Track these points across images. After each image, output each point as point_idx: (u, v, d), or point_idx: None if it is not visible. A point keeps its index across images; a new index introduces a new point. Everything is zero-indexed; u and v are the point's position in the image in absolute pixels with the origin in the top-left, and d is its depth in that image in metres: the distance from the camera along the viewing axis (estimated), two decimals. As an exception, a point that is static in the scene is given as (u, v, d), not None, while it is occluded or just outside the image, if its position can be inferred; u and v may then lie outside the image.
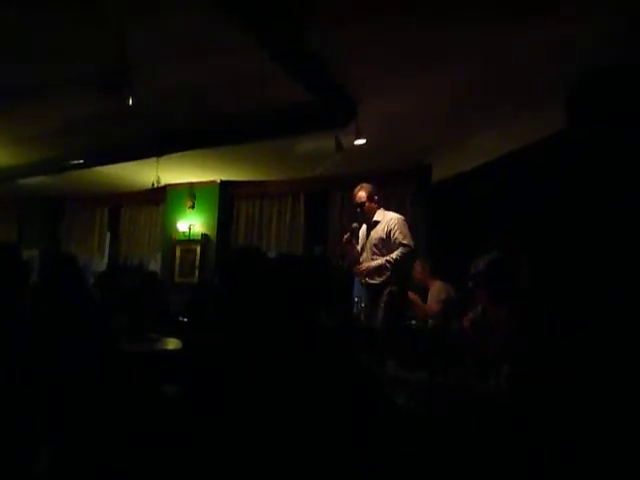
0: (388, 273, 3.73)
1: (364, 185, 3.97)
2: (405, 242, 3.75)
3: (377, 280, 3.77)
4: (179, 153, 5.32)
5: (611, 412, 1.80)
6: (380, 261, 3.76)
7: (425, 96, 3.92)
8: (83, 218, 7.96)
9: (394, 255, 3.72)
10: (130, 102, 3.73)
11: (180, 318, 4.56)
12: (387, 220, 3.86)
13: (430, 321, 4.20)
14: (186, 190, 6.88)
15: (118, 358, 2.42)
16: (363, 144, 4.43)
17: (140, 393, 2.18)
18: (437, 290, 4.33)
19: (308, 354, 1.29)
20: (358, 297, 4.17)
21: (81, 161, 5.72)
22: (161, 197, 7.03)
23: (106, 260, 7.77)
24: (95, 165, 5.84)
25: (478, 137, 4.56)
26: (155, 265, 7.27)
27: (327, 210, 6.20)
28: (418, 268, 4.43)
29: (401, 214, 3.99)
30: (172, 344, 3.34)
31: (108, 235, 7.83)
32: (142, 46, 3.31)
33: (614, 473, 1.56)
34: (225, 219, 6.80)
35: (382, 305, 3.67)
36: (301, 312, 1.41)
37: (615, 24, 2.85)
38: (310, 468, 1.19)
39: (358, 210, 3.97)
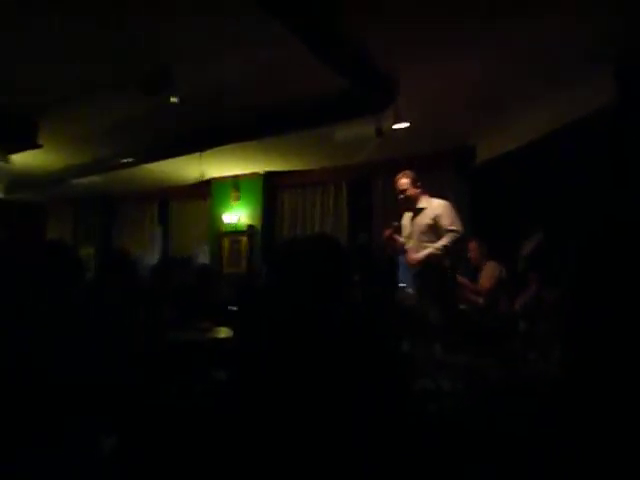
0: (437, 260, 3.68)
1: (406, 172, 3.92)
2: (453, 228, 3.69)
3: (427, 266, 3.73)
4: (222, 147, 5.42)
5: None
6: (429, 250, 3.71)
7: (465, 76, 3.82)
8: (134, 214, 8.27)
9: (443, 242, 3.67)
10: (174, 100, 3.84)
11: (230, 307, 4.69)
12: (433, 206, 3.80)
13: (481, 300, 4.16)
14: (231, 183, 7.02)
15: (170, 347, 2.52)
16: (403, 128, 4.37)
17: (190, 379, 2.28)
18: (490, 268, 4.29)
19: (341, 338, 1.31)
20: (404, 282, 4.16)
21: (130, 159, 5.95)
22: (207, 191, 7.21)
23: (157, 254, 8.05)
24: (143, 162, 6.05)
25: (523, 115, 4.40)
26: (204, 257, 7.48)
27: (370, 196, 6.16)
28: (473, 249, 4.38)
29: (444, 198, 3.93)
30: (223, 333, 3.44)
31: (158, 229, 8.10)
32: (183, 44, 3.40)
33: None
34: (269, 209, 6.90)
35: (429, 289, 3.63)
36: (338, 296, 1.43)
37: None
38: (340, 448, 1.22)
39: (401, 197, 3.93)
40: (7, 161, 5.20)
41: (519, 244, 3.28)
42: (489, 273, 4.27)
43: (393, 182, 4.02)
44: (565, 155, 3.79)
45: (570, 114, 3.80)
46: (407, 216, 3.97)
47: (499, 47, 3.38)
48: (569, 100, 3.83)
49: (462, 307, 3.93)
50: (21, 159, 5.58)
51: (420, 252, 3.75)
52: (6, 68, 3.83)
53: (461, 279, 4.15)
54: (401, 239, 3.95)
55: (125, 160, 5.97)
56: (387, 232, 3.97)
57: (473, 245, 4.42)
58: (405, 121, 4.27)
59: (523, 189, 4.30)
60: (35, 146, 5.14)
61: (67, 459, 1.51)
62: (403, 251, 3.96)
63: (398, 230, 3.96)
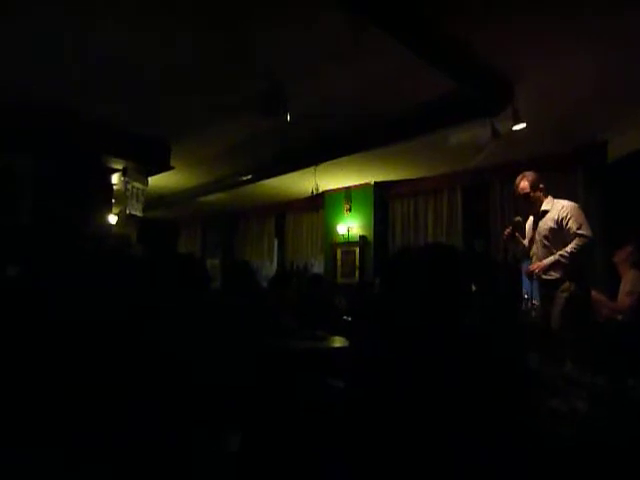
0: (563, 268, 3.35)
1: (526, 174, 3.64)
2: (581, 232, 3.31)
3: (552, 276, 3.40)
4: (335, 160, 5.55)
5: None
6: (554, 257, 3.38)
7: (586, 71, 3.52)
8: (253, 227, 8.77)
9: (569, 248, 3.32)
10: (287, 118, 4.02)
11: (345, 317, 4.75)
12: (558, 208, 3.46)
13: (619, 317, 3.73)
14: (342, 194, 7.15)
15: (288, 354, 2.61)
16: (522, 128, 4.12)
17: (308, 386, 2.33)
18: (629, 281, 3.82)
19: (461, 352, 1.25)
20: (528, 292, 3.87)
21: (250, 176, 6.34)
22: (320, 203, 7.41)
23: (275, 264, 8.44)
24: (262, 179, 6.41)
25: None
26: (318, 267, 7.68)
27: (487, 202, 5.87)
28: (625, 254, 3.94)
29: (573, 201, 3.59)
30: (338, 342, 3.49)
31: (275, 241, 8.50)
32: (294, 62, 3.56)
33: None
34: (381, 219, 6.89)
35: (559, 305, 3.32)
36: (455, 308, 1.38)
37: None
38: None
39: (523, 201, 3.66)
40: (146, 184, 5.81)
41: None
42: (628, 287, 3.80)
43: (513, 185, 3.77)
44: None
45: None
46: (530, 220, 3.69)
47: (617, 38, 3.07)
48: None
49: (600, 321, 3.57)
50: (156, 181, 6.21)
51: (544, 260, 3.45)
52: (146, 99, 4.31)
53: (596, 294, 3.73)
54: (524, 241, 3.66)
55: (245, 177, 6.38)
56: (507, 231, 3.70)
57: (625, 250, 3.93)
58: (523, 122, 4.02)
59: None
60: (168, 168, 5.70)
61: (199, 454, 1.63)
62: (525, 253, 3.66)
63: (519, 227, 3.67)
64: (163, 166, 5.66)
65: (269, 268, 8.45)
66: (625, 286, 3.84)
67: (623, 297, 3.81)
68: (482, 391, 1.24)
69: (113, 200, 5.43)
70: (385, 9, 2.84)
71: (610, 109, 4.23)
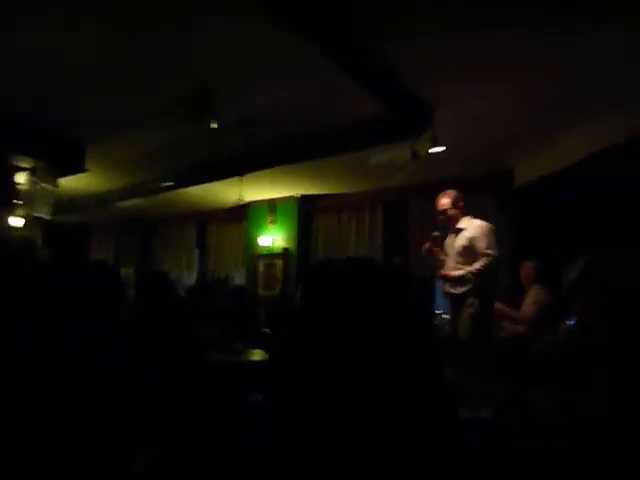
0: (470, 284, 3.58)
1: (448, 192, 3.84)
2: (488, 251, 3.57)
3: (459, 290, 3.63)
4: (260, 171, 5.53)
5: None
6: (462, 272, 3.61)
7: (503, 100, 3.80)
8: (173, 236, 8.48)
9: (477, 265, 3.56)
10: (214, 126, 3.95)
11: (264, 330, 4.70)
12: (472, 227, 3.69)
13: (521, 328, 4.01)
14: (267, 206, 7.12)
15: (206, 367, 2.54)
16: (440, 152, 4.35)
17: (227, 400, 2.28)
18: (533, 293, 4.14)
19: (380, 366, 1.28)
20: (441, 307, 4.07)
21: (171, 183, 6.13)
22: (244, 213, 7.33)
23: (195, 275, 8.20)
24: (184, 186, 6.23)
25: (563, 138, 4.32)
26: (240, 279, 7.56)
27: (406, 220, 6.12)
28: (527, 269, 4.24)
29: (484, 220, 3.84)
30: (257, 355, 3.44)
31: (196, 251, 8.27)
32: (224, 71, 3.52)
33: None
34: (305, 233, 6.94)
35: (465, 320, 3.53)
36: (374, 321, 1.41)
37: None
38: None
39: (441, 217, 3.85)
40: (56, 185, 5.44)
41: (563, 269, 3.18)
42: (531, 299, 4.12)
43: (433, 203, 3.95)
44: (604, 179, 3.69)
45: (608, 139, 3.71)
46: (450, 236, 3.90)
47: (534, 71, 3.35)
48: (608, 125, 3.74)
49: (503, 335, 3.81)
50: (67, 182, 5.84)
51: (453, 273, 3.67)
52: (58, 98, 4.06)
53: (500, 306, 4.02)
54: (441, 255, 3.85)
55: (166, 184, 6.16)
56: (426, 245, 3.88)
57: (528, 265, 4.26)
58: (441, 145, 4.25)
59: (565, 212, 4.18)
60: (82, 170, 5.39)
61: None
62: (441, 267, 3.85)
63: (438, 241, 3.86)
64: (76, 167, 5.34)
65: (188, 278, 8.20)
66: (529, 298, 4.16)
67: (526, 308, 4.12)
68: (399, 403, 1.28)
69: (19, 201, 5.03)
70: (315, 28, 2.90)
71: (517, 139, 4.59)
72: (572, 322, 2.93)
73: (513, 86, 3.55)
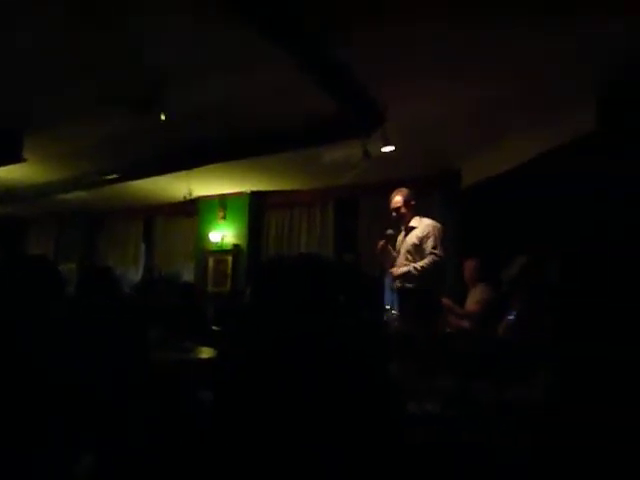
0: (417, 281, 3.69)
1: (401, 190, 3.92)
2: (435, 251, 3.71)
3: (407, 286, 3.74)
4: (210, 165, 5.43)
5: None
6: (407, 268, 3.74)
7: (452, 101, 3.90)
8: (119, 231, 8.18)
9: (422, 263, 3.69)
10: (162, 118, 3.84)
11: (213, 327, 4.63)
12: (423, 226, 3.82)
13: (466, 324, 4.16)
14: (217, 201, 7.01)
15: (152, 366, 2.47)
16: (391, 151, 4.42)
17: (175, 400, 2.23)
18: (476, 291, 4.29)
19: (329, 361, 1.29)
20: (390, 303, 4.16)
21: (115, 176, 5.91)
22: (193, 209, 7.17)
23: (141, 271, 7.96)
24: (129, 179, 6.02)
25: (508, 141, 4.50)
26: (188, 275, 7.41)
27: (357, 218, 6.19)
28: (469, 268, 4.38)
29: (432, 220, 3.96)
30: (206, 353, 3.39)
31: (143, 247, 8.02)
32: (173, 62, 3.42)
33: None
34: (256, 229, 6.88)
35: (411, 316, 3.63)
36: (323, 318, 1.42)
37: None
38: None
39: (394, 215, 3.93)
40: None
41: (504, 266, 3.32)
42: (477, 296, 4.27)
43: (384, 201, 4.02)
44: (547, 180, 3.87)
45: (553, 141, 3.90)
46: (401, 234, 3.99)
47: (484, 73, 3.46)
48: (553, 127, 3.93)
49: (449, 330, 3.93)
50: (4, 173, 5.51)
51: (400, 270, 3.78)
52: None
53: (447, 302, 4.15)
54: (394, 252, 3.94)
55: (111, 177, 5.93)
56: (381, 243, 3.95)
57: (470, 264, 4.40)
58: (392, 144, 4.32)
59: (508, 212, 4.36)
60: (19, 160, 5.09)
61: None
62: (393, 264, 3.94)
63: (391, 239, 3.95)
64: (12, 157, 5.04)
65: (135, 275, 7.95)
66: (473, 296, 4.31)
67: (471, 305, 4.27)
68: (349, 399, 1.29)
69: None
70: (269, 22, 2.87)
71: (464, 141, 4.74)
72: (512, 317, 3.07)
73: (462, 88, 3.66)
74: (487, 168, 4.87)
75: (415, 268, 3.69)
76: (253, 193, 6.80)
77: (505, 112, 4.01)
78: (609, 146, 3.28)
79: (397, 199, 3.89)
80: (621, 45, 2.97)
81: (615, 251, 3.09)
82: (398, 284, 3.81)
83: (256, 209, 6.88)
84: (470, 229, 5.03)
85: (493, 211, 4.64)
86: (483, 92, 3.67)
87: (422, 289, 3.66)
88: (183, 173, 5.62)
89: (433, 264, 3.68)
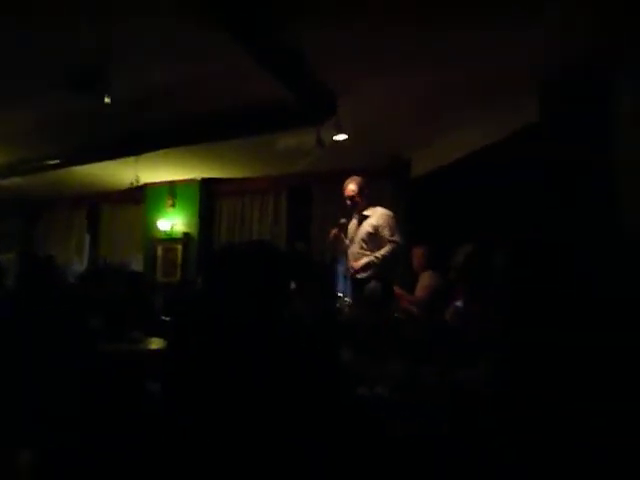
0: (374, 269, 3.75)
1: (355, 178, 3.95)
2: (393, 239, 3.78)
3: (363, 275, 3.78)
4: (159, 151, 5.26)
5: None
6: (368, 258, 3.78)
7: (401, 93, 3.96)
8: (61, 219, 7.83)
9: (382, 252, 3.75)
10: (106, 100, 3.67)
11: (163, 317, 4.52)
12: (377, 215, 3.87)
13: (416, 310, 4.26)
14: (166, 188, 6.82)
15: (99, 358, 2.40)
16: (344, 140, 4.44)
17: (123, 391, 2.17)
18: (426, 278, 4.40)
19: (280, 348, 1.29)
20: (342, 292, 4.19)
21: (57, 161, 5.62)
22: (141, 196, 6.95)
23: (85, 261, 7.66)
24: (72, 165, 5.75)
25: (455, 132, 4.62)
26: (137, 265, 7.19)
27: (310, 206, 6.20)
28: (418, 256, 4.47)
29: (388, 208, 4.02)
30: (156, 344, 3.31)
31: (87, 236, 7.72)
32: (121, 45, 3.27)
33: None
34: (207, 217, 6.76)
35: (366, 302, 3.69)
36: (276, 303, 1.42)
37: (582, 25, 2.93)
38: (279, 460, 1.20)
39: (348, 203, 3.95)
40: None
41: (451, 255, 3.42)
42: (425, 282, 4.38)
43: (337, 190, 4.04)
44: (494, 169, 4.01)
45: (499, 132, 4.03)
46: (352, 222, 4.02)
47: (434, 65, 3.52)
48: (497, 119, 4.06)
49: (397, 316, 4.02)
50: None
51: (360, 259, 3.81)
52: None
53: (398, 289, 4.24)
54: (346, 241, 3.98)
55: (52, 162, 5.64)
56: (334, 231, 3.98)
57: (418, 252, 4.50)
58: (345, 133, 4.34)
59: (456, 201, 4.49)
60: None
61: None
62: (345, 252, 3.98)
63: (344, 228, 3.98)
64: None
65: (79, 265, 7.64)
66: (421, 283, 4.42)
67: (419, 292, 4.38)
68: (300, 385, 1.29)
69: None
70: (219, 7, 2.80)
71: (413, 132, 4.82)
72: (459, 304, 3.17)
73: (412, 80, 3.71)
74: (435, 158, 4.99)
75: (377, 257, 3.74)
76: (204, 180, 6.66)
77: (453, 104, 4.11)
78: (551, 136, 3.43)
79: (351, 187, 3.91)
80: (555, 45, 3.10)
81: (559, 238, 3.24)
82: (354, 273, 3.83)
83: (207, 197, 6.75)
84: (419, 218, 5.15)
85: (441, 200, 4.76)
86: (431, 84, 3.74)
87: (376, 277, 3.71)
88: (130, 159, 5.43)
89: (392, 252, 3.76)
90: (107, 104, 3.67)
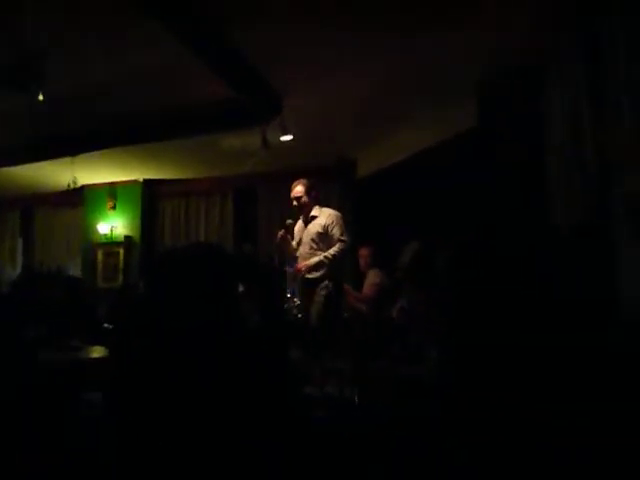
0: (325, 269, 3.77)
1: (301, 180, 3.95)
2: (342, 238, 3.81)
3: (314, 275, 3.79)
4: (97, 152, 5.06)
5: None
6: (318, 258, 3.79)
7: (345, 94, 4.01)
8: (-9, 223, 7.37)
9: (332, 251, 3.77)
10: (40, 98, 3.49)
11: (105, 325, 4.35)
12: (325, 215, 3.89)
13: (364, 307, 4.34)
14: (106, 190, 6.57)
15: (36, 368, 2.28)
16: (289, 140, 4.44)
17: (61, 402, 2.07)
18: (372, 276, 4.49)
19: (227, 350, 1.28)
20: (291, 292, 4.18)
21: (-15, 161, 5.29)
22: (78, 198, 6.65)
23: (19, 267, 7.25)
24: (3, 166, 5.42)
25: (399, 134, 4.72)
26: (75, 270, 6.87)
27: (256, 207, 6.16)
28: (364, 255, 4.55)
29: (335, 208, 4.06)
30: (97, 352, 3.18)
31: (20, 240, 7.31)
32: (59, 41, 3.13)
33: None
34: (150, 219, 6.57)
35: (318, 302, 3.70)
36: (222, 308, 1.40)
37: (520, 28, 3.06)
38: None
39: (295, 204, 3.95)
40: None
41: (397, 254, 3.50)
42: (371, 280, 4.48)
43: (283, 191, 4.03)
44: (437, 172, 4.14)
45: (440, 135, 4.16)
46: (299, 223, 4.02)
47: (373, 66, 3.58)
48: (441, 121, 4.19)
49: (345, 315, 4.06)
50: None
51: (309, 259, 3.81)
52: None
53: (346, 287, 4.30)
54: (293, 242, 3.98)
55: (-21, 162, 5.30)
56: (280, 233, 3.96)
57: (365, 251, 4.58)
58: (290, 134, 4.34)
59: (400, 202, 4.60)
60: None
61: None
62: (293, 255, 3.98)
63: (290, 229, 3.98)
64: None
65: (12, 271, 7.21)
66: (368, 281, 4.52)
67: (366, 289, 4.49)
68: (248, 387, 1.28)
69: None
70: (157, 3, 2.73)
71: (358, 133, 4.90)
72: (404, 304, 3.25)
73: (354, 80, 3.76)
74: (381, 159, 5.08)
75: (326, 257, 3.76)
76: (146, 181, 6.47)
77: (395, 105, 4.20)
78: (490, 137, 3.57)
79: (298, 189, 3.92)
80: (492, 46, 3.22)
81: (502, 239, 3.38)
82: (307, 275, 3.83)
83: (150, 199, 6.56)
84: (365, 218, 5.23)
85: (387, 201, 4.86)
86: (375, 84, 3.81)
87: (328, 276, 3.73)
88: (66, 159, 5.19)
89: (342, 251, 3.79)
90: (41, 102, 3.49)
